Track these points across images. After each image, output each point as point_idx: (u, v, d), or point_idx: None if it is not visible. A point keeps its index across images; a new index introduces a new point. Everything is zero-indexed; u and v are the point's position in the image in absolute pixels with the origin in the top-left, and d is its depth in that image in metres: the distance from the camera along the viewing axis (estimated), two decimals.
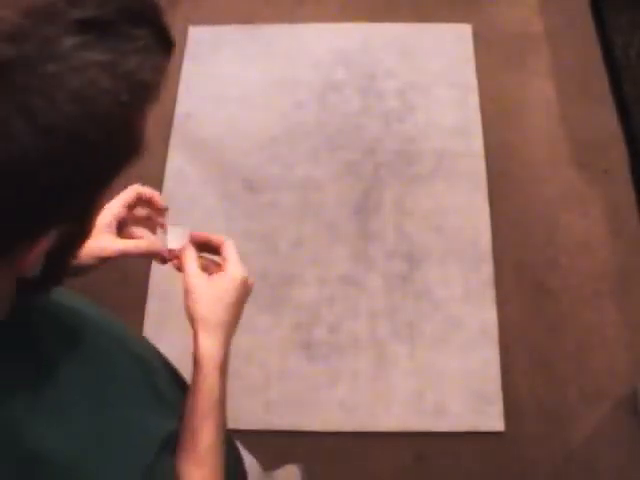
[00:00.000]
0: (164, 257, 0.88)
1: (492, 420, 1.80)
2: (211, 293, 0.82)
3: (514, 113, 2.32)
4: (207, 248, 0.88)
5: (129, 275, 2.06)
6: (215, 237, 0.86)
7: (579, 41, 2.46)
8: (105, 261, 0.91)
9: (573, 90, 2.35)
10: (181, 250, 0.85)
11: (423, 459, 1.78)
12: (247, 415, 1.84)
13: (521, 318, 1.95)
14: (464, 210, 2.12)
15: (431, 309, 1.96)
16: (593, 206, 2.12)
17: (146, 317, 1.97)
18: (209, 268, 0.85)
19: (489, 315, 1.94)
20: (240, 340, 2.06)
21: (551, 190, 2.17)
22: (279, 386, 1.87)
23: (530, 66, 2.41)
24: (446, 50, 2.45)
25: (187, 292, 0.82)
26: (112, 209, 0.89)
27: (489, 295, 1.97)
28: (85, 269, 0.92)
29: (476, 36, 2.47)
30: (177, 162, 2.22)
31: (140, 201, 0.93)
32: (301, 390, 1.86)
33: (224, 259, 0.85)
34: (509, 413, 1.81)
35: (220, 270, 0.85)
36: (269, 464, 1.78)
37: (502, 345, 1.90)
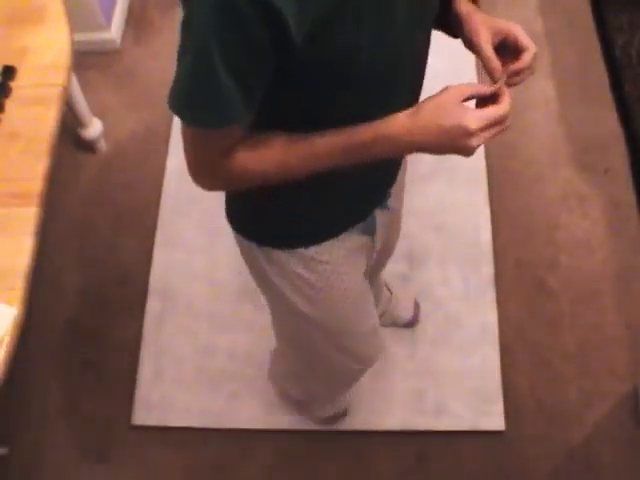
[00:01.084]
0: (495, 81, 0.89)
1: (492, 419, 1.80)
2: (445, 108, 0.82)
3: (514, 113, 2.31)
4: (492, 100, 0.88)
5: (129, 275, 2.06)
6: (493, 89, 0.86)
7: (579, 41, 2.46)
8: (470, 43, 0.95)
9: (573, 90, 2.35)
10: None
11: (423, 459, 1.78)
12: (247, 415, 1.84)
13: (521, 317, 1.95)
14: (464, 209, 2.12)
15: (431, 308, 1.96)
16: (593, 206, 2.12)
17: (146, 317, 1.97)
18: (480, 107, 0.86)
19: (489, 314, 1.94)
20: (240, 340, 2.07)
21: (551, 190, 2.17)
22: None
23: None
24: (446, 50, 2.44)
25: (445, 90, 0.84)
26: (509, 26, 0.94)
27: (489, 294, 1.97)
28: (456, 29, 0.97)
29: None
30: (177, 162, 2.22)
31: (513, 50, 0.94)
32: None
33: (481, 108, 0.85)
34: (509, 412, 1.81)
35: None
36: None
37: (502, 344, 1.90)
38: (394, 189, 1.19)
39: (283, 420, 1.83)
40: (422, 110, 0.82)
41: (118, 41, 2.50)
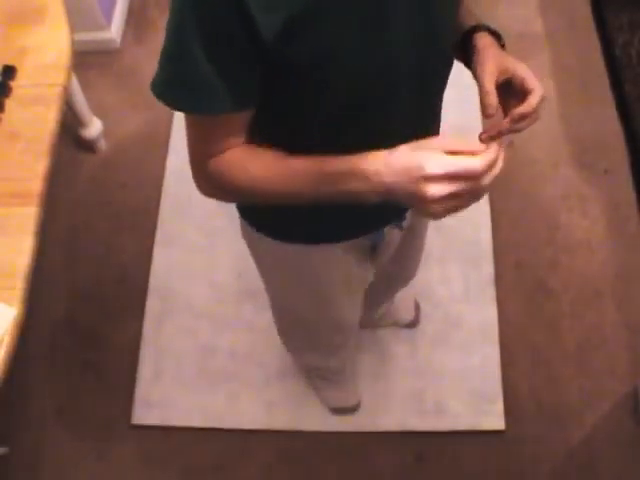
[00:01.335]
0: (486, 116, 0.84)
1: (492, 419, 1.80)
2: (418, 151, 0.74)
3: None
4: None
5: (129, 275, 2.06)
6: (471, 149, 0.76)
7: (579, 41, 2.46)
8: (475, 74, 0.89)
9: (573, 90, 2.34)
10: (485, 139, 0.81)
11: (423, 459, 1.78)
12: (247, 415, 1.84)
13: (521, 317, 1.95)
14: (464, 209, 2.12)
15: (431, 308, 1.96)
16: (593, 206, 2.12)
17: (146, 317, 1.97)
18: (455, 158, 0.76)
19: (489, 314, 1.94)
20: (240, 340, 2.07)
21: (551, 190, 2.17)
22: (279, 386, 1.87)
23: (530, 66, 2.39)
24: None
25: (425, 141, 0.76)
26: (517, 66, 0.89)
27: (489, 294, 1.97)
28: (470, 60, 0.91)
29: None
30: (177, 162, 2.22)
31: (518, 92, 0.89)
32: (301, 390, 1.86)
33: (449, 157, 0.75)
34: (509, 412, 1.81)
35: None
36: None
37: (502, 344, 1.90)
38: (413, 211, 1.16)
39: (283, 420, 1.83)
40: (398, 150, 0.76)
41: (118, 41, 2.50)
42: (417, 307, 1.93)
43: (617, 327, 1.93)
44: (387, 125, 0.83)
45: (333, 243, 1.10)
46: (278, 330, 1.56)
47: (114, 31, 2.48)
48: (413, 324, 1.92)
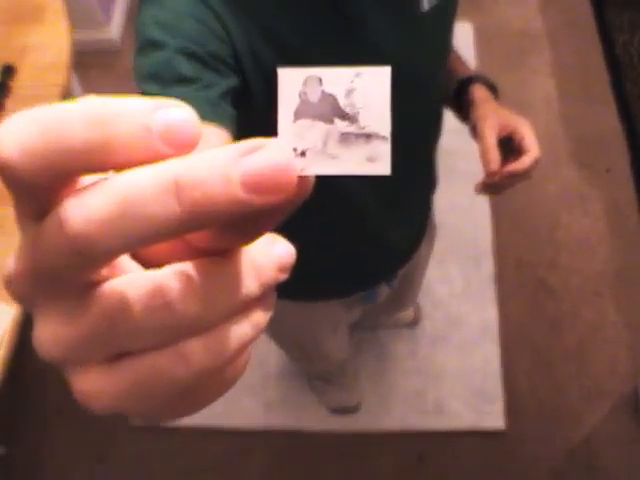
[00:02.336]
0: (490, 173, 0.84)
1: (493, 419, 1.80)
2: None
3: (515, 112, 2.31)
4: None
5: None
6: None
7: (580, 40, 2.46)
8: (474, 129, 0.88)
9: (574, 89, 2.34)
10: None
11: (424, 459, 1.77)
12: (247, 415, 1.84)
13: (522, 317, 1.95)
14: (465, 208, 2.11)
15: (432, 308, 1.96)
16: (594, 205, 2.12)
17: None
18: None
19: (490, 313, 1.94)
20: None
21: (552, 189, 2.16)
22: (278, 386, 1.87)
23: (531, 65, 2.41)
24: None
25: None
26: (518, 123, 0.86)
27: (490, 293, 1.97)
28: (466, 113, 0.89)
29: (477, 34, 2.47)
30: None
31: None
32: (301, 390, 1.86)
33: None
34: (510, 412, 1.81)
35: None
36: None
37: (503, 344, 1.90)
38: (403, 272, 1.16)
39: (282, 420, 1.83)
40: None
41: (118, 41, 2.50)
42: (417, 307, 1.93)
43: (617, 327, 1.93)
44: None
45: (316, 302, 1.09)
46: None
47: (114, 31, 2.48)
48: (413, 324, 1.92)
